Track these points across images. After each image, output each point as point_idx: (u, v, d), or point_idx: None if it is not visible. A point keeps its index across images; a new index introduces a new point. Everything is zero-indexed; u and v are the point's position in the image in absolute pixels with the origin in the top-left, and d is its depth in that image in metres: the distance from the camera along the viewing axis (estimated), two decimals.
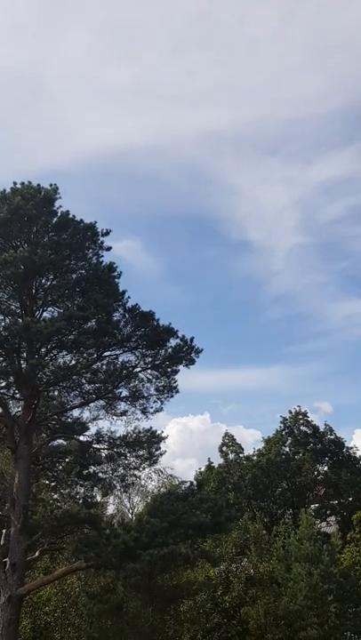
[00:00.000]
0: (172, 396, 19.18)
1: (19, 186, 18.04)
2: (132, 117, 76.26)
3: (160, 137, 79.57)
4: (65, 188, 18.57)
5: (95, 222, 18.47)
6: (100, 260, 18.65)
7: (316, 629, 21.53)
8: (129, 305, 18.24)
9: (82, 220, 18.33)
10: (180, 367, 18.79)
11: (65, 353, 17.82)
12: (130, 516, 33.93)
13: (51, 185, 18.20)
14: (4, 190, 17.93)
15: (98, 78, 74.04)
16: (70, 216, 18.21)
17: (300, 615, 22.11)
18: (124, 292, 18.33)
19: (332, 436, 37.83)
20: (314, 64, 73.58)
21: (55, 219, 18.18)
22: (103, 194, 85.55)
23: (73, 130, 79.18)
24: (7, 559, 16.63)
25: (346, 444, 37.78)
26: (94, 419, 19.44)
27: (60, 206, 18.24)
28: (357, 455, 37.65)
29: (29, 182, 18.20)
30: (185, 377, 19.31)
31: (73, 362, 17.90)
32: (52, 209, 18.13)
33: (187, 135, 79.36)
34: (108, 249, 18.77)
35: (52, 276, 18.17)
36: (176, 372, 18.87)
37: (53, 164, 72.78)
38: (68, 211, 18.19)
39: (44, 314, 18.35)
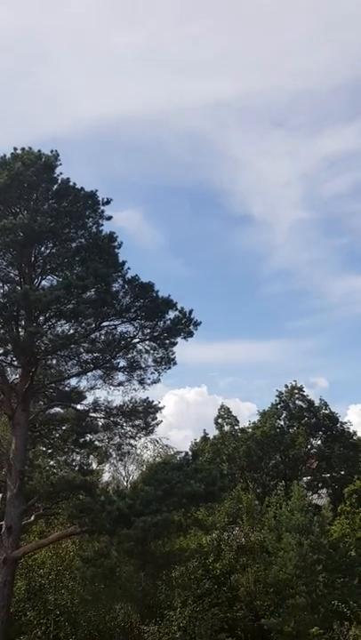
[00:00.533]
0: (169, 368, 19.30)
1: (19, 151, 17.77)
2: (135, 85, 74.91)
3: (163, 106, 78.39)
4: (66, 156, 18.35)
5: (96, 191, 18.31)
6: (100, 229, 18.53)
7: (305, 597, 22.06)
8: (128, 276, 18.18)
9: (82, 188, 18.13)
10: (179, 339, 18.85)
11: (63, 322, 17.80)
12: (125, 483, 34.46)
13: (51, 151, 17.95)
14: (5, 156, 17.66)
15: (101, 44, 72.45)
16: (71, 184, 18.00)
17: (289, 583, 22.62)
18: (123, 262, 18.25)
19: (326, 411, 38.17)
20: (321, 35, 71.95)
21: (55, 186, 17.96)
22: (104, 162, 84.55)
23: (74, 96, 77.82)
24: (3, 522, 16.93)
25: (340, 419, 38.23)
26: (92, 388, 19.58)
27: (61, 173, 18.03)
28: (351, 430, 38.11)
29: (30, 148, 17.95)
30: (183, 349, 19.41)
31: (71, 331, 17.92)
32: (53, 176, 17.89)
33: (191, 105, 78.03)
34: (109, 218, 18.64)
35: (51, 244, 18.05)
36: (174, 343, 18.93)
37: (54, 130, 71.71)
38: (68, 178, 18.00)
39: (43, 282, 18.30)
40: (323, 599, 21.94)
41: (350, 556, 24.09)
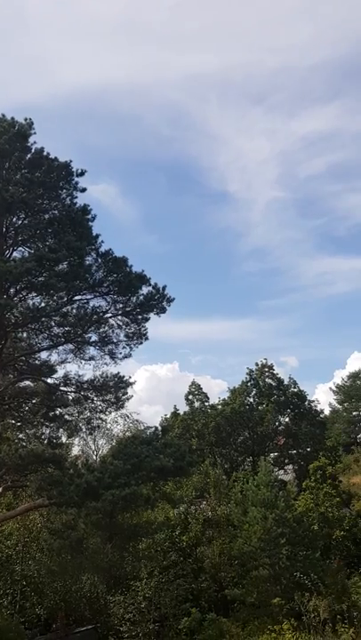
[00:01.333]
0: (141, 343, 19.32)
1: None
2: (115, 54, 73.44)
3: (143, 76, 77.05)
4: (40, 125, 17.93)
5: (70, 161, 18.00)
6: (74, 201, 18.28)
7: (268, 569, 22.63)
8: (102, 249, 18.05)
9: (56, 159, 17.78)
10: (151, 315, 18.86)
11: (35, 295, 17.61)
12: (94, 457, 34.65)
13: (25, 119, 17.51)
14: None
15: (81, 10, 70.44)
16: (45, 153, 17.64)
17: (252, 556, 23.15)
18: (97, 235, 18.06)
19: (295, 390, 38.81)
20: (305, 12, 71.28)
21: (29, 155, 17.58)
22: (80, 133, 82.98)
23: (52, 63, 75.81)
24: None
25: (308, 398, 38.94)
26: (62, 362, 19.48)
27: (35, 142, 17.67)
28: (318, 408, 38.94)
29: (3, 115, 17.47)
30: (156, 325, 19.44)
31: (42, 304, 17.73)
32: (26, 145, 17.50)
33: (171, 76, 76.96)
34: (83, 190, 18.35)
35: (23, 215, 17.73)
36: (147, 319, 18.93)
37: (29, 97, 69.92)
38: (42, 148, 17.65)
39: (14, 254, 18.01)
40: (285, 571, 22.51)
41: (313, 530, 24.73)
